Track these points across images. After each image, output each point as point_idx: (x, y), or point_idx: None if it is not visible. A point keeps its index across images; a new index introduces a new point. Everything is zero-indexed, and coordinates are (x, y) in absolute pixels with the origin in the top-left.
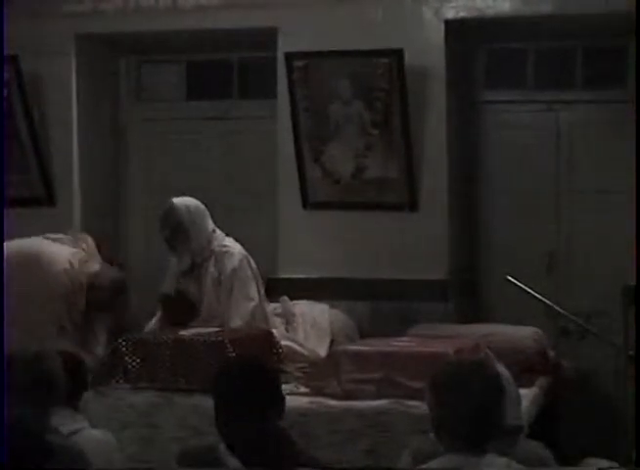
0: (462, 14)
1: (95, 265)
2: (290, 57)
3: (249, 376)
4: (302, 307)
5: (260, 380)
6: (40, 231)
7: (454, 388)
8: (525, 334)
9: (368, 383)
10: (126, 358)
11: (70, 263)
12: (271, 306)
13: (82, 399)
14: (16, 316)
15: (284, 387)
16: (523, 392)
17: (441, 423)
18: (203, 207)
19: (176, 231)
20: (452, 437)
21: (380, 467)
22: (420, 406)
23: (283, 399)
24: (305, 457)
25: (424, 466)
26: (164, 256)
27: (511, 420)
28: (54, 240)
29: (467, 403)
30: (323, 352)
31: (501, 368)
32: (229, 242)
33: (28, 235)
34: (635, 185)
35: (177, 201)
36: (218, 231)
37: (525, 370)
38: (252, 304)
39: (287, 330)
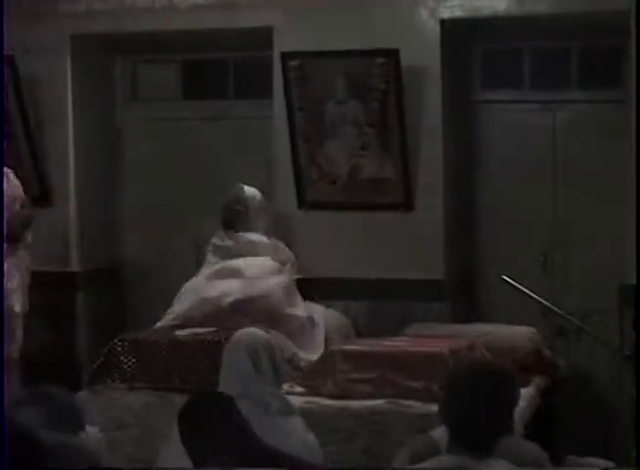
0: (458, 14)
1: None
2: (285, 56)
3: None
4: None
5: None
6: (36, 231)
7: (470, 389)
8: (520, 333)
9: (364, 382)
10: (122, 358)
11: None
12: None
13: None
14: None
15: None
16: None
17: (451, 423)
18: None
19: (241, 214)
20: (460, 438)
21: (376, 467)
22: (416, 406)
23: None
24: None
25: (421, 465)
26: (162, 255)
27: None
28: None
29: (481, 406)
30: (318, 352)
31: None
32: (274, 239)
33: None
34: (635, 185)
35: (247, 188)
36: None
37: (521, 370)
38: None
39: None
